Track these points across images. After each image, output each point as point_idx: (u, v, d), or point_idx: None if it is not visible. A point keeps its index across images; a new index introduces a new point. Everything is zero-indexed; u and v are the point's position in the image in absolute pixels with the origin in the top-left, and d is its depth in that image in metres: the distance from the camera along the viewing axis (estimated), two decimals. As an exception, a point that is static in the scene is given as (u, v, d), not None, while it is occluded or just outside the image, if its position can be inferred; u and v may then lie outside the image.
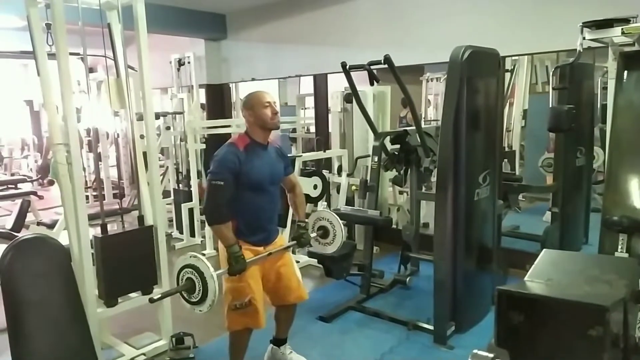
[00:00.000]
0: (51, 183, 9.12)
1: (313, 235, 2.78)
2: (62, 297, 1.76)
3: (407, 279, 3.88)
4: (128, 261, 2.84)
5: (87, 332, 1.82)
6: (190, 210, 5.33)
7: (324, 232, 2.81)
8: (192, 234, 5.43)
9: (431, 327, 3.15)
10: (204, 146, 5.64)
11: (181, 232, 5.44)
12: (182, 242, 5.32)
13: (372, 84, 3.56)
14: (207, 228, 5.03)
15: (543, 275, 0.63)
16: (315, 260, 3.99)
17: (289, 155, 2.95)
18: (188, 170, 5.51)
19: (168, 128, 5.56)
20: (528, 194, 6.09)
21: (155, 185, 3.06)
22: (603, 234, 3.00)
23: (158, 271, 3.02)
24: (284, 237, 2.76)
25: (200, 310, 2.21)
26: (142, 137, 6.91)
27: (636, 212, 2.84)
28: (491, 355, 0.61)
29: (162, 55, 5.93)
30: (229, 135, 5.95)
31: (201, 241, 5.41)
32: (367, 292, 3.71)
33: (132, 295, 2.95)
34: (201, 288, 2.18)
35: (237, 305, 2.45)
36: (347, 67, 3.58)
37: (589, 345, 0.54)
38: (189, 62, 6.22)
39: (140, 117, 3.06)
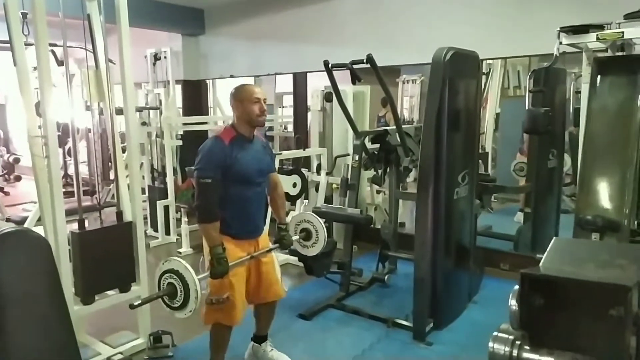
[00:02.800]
0: (18, 179, 8.83)
1: (295, 237, 2.78)
2: (45, 293, 1.70)
3: (386, 277, 3.91)
4: (106, 258, 2.78)
5: (70, 328, 1.77)
6: (166, 208, 5.25)
7: (306, 235, 2.81)
8: (167, 232, 5.34)
9: (410, 324, 3.19)
10: (180, 143, 5.57)
11: (156, 230, 5.34)
12: (157, 240, 5.22)
13: (354, 83, 3.59)
14: (183, 226, 4.97)
15: (557, 261, 0.66)
16: (295, 258, 4.00)
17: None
18: (163, 167, 5.43)
19: (144, 124, 5.46)
20: (500, 195, 6.24)
21: (135, 181, 3.00)
22: (576, 233, 3.10)
23: (136, 268, 2.96)
24: (267, 236, 2.74)
25: (184, 315, 2.20)
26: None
27: (608, 212, 2.95)
28: (512, 337, 0.63)
29: (136, 49, 5.77)
30: (205, 132, 5.89)
31: (177, 239, 5.33)
32: (346, 290, 3.73)
33: (110, 292, 2.89)
34: (183, 293, 2.16)
35: (214, 300, 2.44)
36: (330, 65, 3.59)
37: (609, 325, 0.57)
38: (165, 57, 6.11)
39: (119, 112, 3.00)
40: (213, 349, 2.60)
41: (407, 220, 5.27)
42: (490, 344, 0.66)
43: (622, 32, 2.72)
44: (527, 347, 0.62)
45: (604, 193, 2.97)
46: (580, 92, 3.83)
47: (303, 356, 2.91)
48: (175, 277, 2.16)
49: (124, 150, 5.59)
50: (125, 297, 2.94)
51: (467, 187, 3.30)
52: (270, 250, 2.64)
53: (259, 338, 2.85)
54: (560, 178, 5.08)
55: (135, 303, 2.20)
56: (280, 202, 2.75)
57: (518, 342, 0.63)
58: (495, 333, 0.66)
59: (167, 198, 5.24)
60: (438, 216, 3.08)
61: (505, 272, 4.19)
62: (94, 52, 2.90)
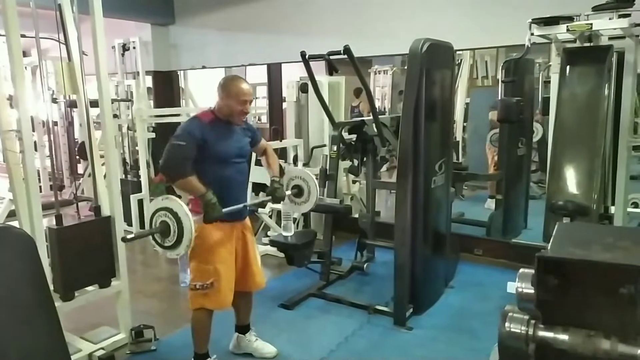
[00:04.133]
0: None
1: (287, 192, 2.78)
2: (30, 290, 1.67)
3: (365, 266, 3.98)
4: (85, 253, 2.73)
5: (58, 326, 1.74)
6: (140, 202, 5.17)
7: (298, 191, 2.82)
8: (142, 226, 5.26)
9: (390, 310, 3.26)
10: (153, 135, 5.47)
11: (129, 224, 5.25)
12: (132, 235, 5.12)
13: (331, 74, 3.61)
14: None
15: (564, 244, 0.70)
16: (274, 249, 4.01)
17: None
18: (136, 160, 5.34)
19: (115, 116, 5.33)
20: (470, 183, 6.40)
21: (113, 175, 2.95)
22: (548, 218, 3.23)
23: (116, 263, 2.92)
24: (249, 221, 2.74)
25: (177, 255, 2.19)
26: (82, 125, 6.56)
27: (577, 197, 3.09)
28: (527, 316, 0.67)
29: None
30: (178, 124, 5.79)
31: (151, 233, 5.25)
32: (327, 279, 3.77)
33: (89, 288, 2.85)
34: (176, 229, 2.13)
35: (198, 286, 2.44)
36: (307, 56, 3.60)
37: (621, 302, 0.61)
38: (134, 48, 6.00)
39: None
40: (195, 337, 2.59)
41: (381, 209, 5.36)
42: (507, 324, 0.70)
43: (591, 24, 2.83)
44: (541, 326, 0.66)
45: (573, 179, 3.10)
46: (548, 81, 3.97)
47: (287, 345, 2.94)
48: (170, 215, 2.13)
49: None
50: (105, 292, 2.91)
51: (443, 175, 3.38)
52: (262, 203, 2.64)
53: (242, 328, 2.86)
54: (529, 165, 5.26)
55: (128, 237, 2.17)
56: (271, 159, 2.75)
57: (533, 322, 0.67)
58: (509, 314, 0.70)
59: (140, 192, 5.15)
60: (417, 204, 3.15)
61: (479, 257, 4.33)
62: (66, 43, 2.83)
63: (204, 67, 5.86)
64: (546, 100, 3.95)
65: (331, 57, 3.46)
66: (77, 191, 5.21)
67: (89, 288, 2.85)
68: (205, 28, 5.77)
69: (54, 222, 2.65)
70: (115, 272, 2.93)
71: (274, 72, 5.55)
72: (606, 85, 3.03)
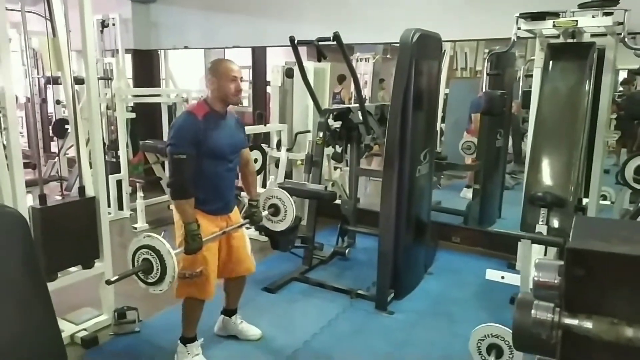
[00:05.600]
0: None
1: (264, 213, 2.81)
2: (23, 271, 1.65)
3: (347, 251, 4.04)
4: (68, 234, 2.70)
5: (50, 306, 1.73)
6: (119, 182, 5.09)
7: (275, 210, 2.84)
8: (120, 207, 5.19)
9: (372, 295, 3.33)
10: (133, 115, 5.37)
11: (108, 205, 5.15)
12: (110, 216, 5.02)
13: (319, 60, 3.62)
14: (139, 201, 4.85)
15: (585, 237, 0.74)
16: (256, 233, 4.04)
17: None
18: (115, 141, 5.24)
19: (93, 94, 5.19)
20: (447, 172, 6.53)
21: (98, 156, 2.90)
22: (526, 209, 3.33)
23: (100, 244, 2.90)
24: (237, 211, 2.75)
25: (160, 290, 2.20)
26: (58, 102, 6.38)
27: (555, 189, 3.19)
28: (552, 304, 0.72)
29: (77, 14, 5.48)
30: (158, 105, 5.71)
31: (130, 215, 5.19)
32: (309, 263, 3.82)
33: (72, 269, 2.82)
34: (159, 267, 2.16)
35: (187, 274, 2.44)
36: (296, 41, 3.59)
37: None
38: (113, 25, 5.84)
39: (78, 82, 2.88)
40: (186, 322, 2.60)
41: (360, 195, 5.41)
42: (533, 312, 0.74)
43: (577, 21, 2.91)
44: (566, 313, 0.71)
45: (552, 171, 3.20)
46: (529, 75, 4.08)
47: (271, 328, 2.98)
48: (152, 253, 2.15)
49: (67, 122, 5.35)
50: (88, 273, 2.88)
51: (427, 164, 3.45)
52: (240, 226, 2.66)
53: (229, 312, 2.89)
54: (506, 157, 5.40)
55: (112, 279, 2.16)
56: (251, 179, 2.76)
57: (558, 309, 0.72)
58: (535, 302, 0.74)
59: (119, 172, 5.07)
60: (402, 193, 3.20)
61: (456, 245, 4.44)
62: (51, 19, 2.74)
63: (186, 48, 5.76)
64: (527, 94, 4.05)
65: (320, 43, 3.47)
66: (50, 171, 5.10)
67: (72, 269, 2.81)
68: (188, 7, 5.65)
69: (38, 202, 2.60)
70: (98, 254, 2.90)
71: (259, 56, 5.49)
72: (587, 81, 3.12)
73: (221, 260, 2.61)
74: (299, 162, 4.55)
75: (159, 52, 6.20)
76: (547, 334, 0.72)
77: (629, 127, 5.60)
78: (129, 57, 6.06)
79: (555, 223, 3.10)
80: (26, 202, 2.53)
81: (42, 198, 2.61)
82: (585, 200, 3.66)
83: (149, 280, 2.20)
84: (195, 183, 2.38)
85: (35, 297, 1.70)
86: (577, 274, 0.69)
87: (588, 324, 0.69)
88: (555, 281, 0.79)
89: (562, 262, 0.82)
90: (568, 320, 0.71)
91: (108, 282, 2.14)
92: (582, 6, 2.98)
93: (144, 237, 2.18)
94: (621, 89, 5.84)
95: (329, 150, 4.52)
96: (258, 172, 4.63)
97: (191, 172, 2.32)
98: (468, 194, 5.69)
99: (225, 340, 2.87)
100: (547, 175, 3.20)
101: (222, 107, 2.46)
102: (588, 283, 0.70)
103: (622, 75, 6.01)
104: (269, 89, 5.24)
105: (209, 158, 2.39)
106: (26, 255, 1.69)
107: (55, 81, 5.02)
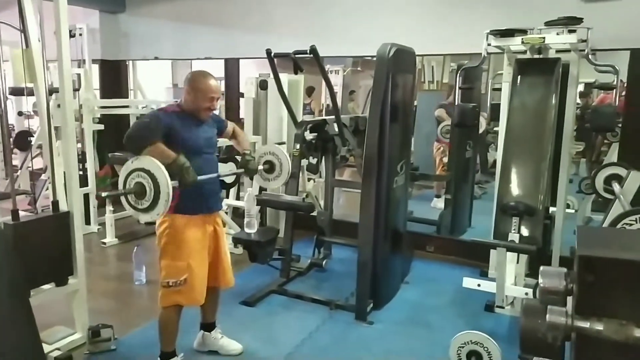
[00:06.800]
0: None
1: (260, 167, 2.79)
2: (5, 287, 1.59)
3: (324, 262, 4.05)
4: (42, 250, 2.61)
5: (32, 322, 1.68)
6: (86, 196, 4.93)
7: (270, 167, 2.84)
8: (87, 222, 5.04)
9: (351, 305, 3.35)
10: (102, 127, 5.24)
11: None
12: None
13: (296, 72, 3.66)
14: (108, 215, 4.71)
15: (590, 245, 0.79)
16: (231, 245, 3.99)
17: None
18: (83, 153, 5.09)
19: (59, 106, 5.04)
20: (417, 182, 6.66)
21: (72, 169, 2.83)
22: (498, 218, 3.43)
23: (74, 261, 2.81)
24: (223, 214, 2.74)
25: (150, 218, 2.14)
26: (20, 114, 6.17)
27: (525, 198, 3.31)
28: (564, 309, 0.76)
29: (46, 24, 5.33)
30: (127, 116, 5.60)
31: (98, 229, 5.05)
32: (287, 275, 3.81)
33: (45, 287, 2.72)
34: (152, 188, 2.07)
35: (171, 283, 2.41)
36: (272, 54, 3.61)
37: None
38: (80, 35, 5.71)
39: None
40: (164, 337, 2.55)
41: (335, 207, 5.45)
42: (548, 316, 0.78)
43: (544, 38, 3.05)
44: (577, 316, 0.75)
45: (522, 182, 3.31)
46: (496, 89, 4.24)
47: (252, 342, 2.95)
48: (146, 176, 2.07)
49: (29, 134, 5.17)
50: (61, 290, 2.79)
51: (403, 175, 3.52)
52: (236, 174, 2.66)
53: (208, 326, 2.85)
54: (474, 167, 5.57)
55: (104, 194, 2.09)
56: (241, 136, 2.79)
57: (570, 313, 0.76)
58: (549, 307, 0.78)
59: (87, 185, 4.93)
60: (380, 203, 3.25)
61: (430, 254, 4.53)
62: (24, 29, 2.67)
63: (156, 58, 5.68)
64: (495, 107, 4.20)
65: (297, 55, 3.51)
66: (13, 185, 4.89)
67: (45, 286, 2.71)
68: (158, 18, 5.59)
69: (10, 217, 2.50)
70: (72, 270, 2.81)
71: (232, 68, 5.48)
72: (554, 95, 3.26)
73: (209, 265, 2.57)
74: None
75: (127, 63, 6.09)
76: (560, 337, 0.76)
77: (588, 139, 5.89)
78: (95, 68, 5.94)
79: (526, 231, 3.22)
80: (-2, 218, 2.44)
81: (15, 213, 2.51)
82: (552, 209, 3.81)
83: (140, 206, 2.12)
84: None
85: (20, 313, 1.64)
86: (587, 279, 0.73)
87: (599, 326, 0.73)
88: (561, 287, 0.84)
89: (565, 270, 0.87)
90: (580, 323, 0.76)
91: (98, 196, 2.07)
92: (548, 24, 3.13)
93: (133, 161, 2.11)
94: (579, 101, 6.13)
95: (303, 162, 4.54)
96: (232, 185, 4.61)
97: (152, 130, 2.27)
98: (439, 203, 5.82)
99: (205, 356, 2.82)
100: (517, 185, 3.31)
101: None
102: (597, 288, 0.75)
103: (579, 88, 6.32)
104: (242, 100, 5.23)
105: (186, 153, 2.32)
106: (9, 270, 1.63)
107: (19, 92, 4.90)
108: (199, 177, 2.30)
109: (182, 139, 2.35)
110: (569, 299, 0.84)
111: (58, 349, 2.77)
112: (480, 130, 5.68)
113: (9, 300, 1.56)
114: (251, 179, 3.43)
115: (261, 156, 2.85)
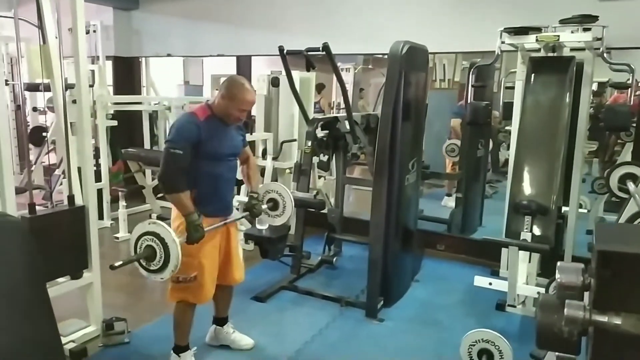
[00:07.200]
0: None
1: (264, 207, 2.82)
2: (25, 280, 1.62)
3: (334, 259, 4.07)
4: (57, 243, 2.65)
5: (51, 316, 1.70)
6: (99, 191, 4.98)
7: (273, 204, 2.85)
8: (101, 217, 5.09)
9: (362, 303, 3.35)
10: (115, 123, 5.29)
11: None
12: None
13: (308, 70, 3.67)
14: (121, 210, 4.78)
15: (608, 241, 0.79)
16: (242, 241, 4.02)
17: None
18: (97, 149, 5.15)
19: (74, 102, 5.10)
20: (427, 181, 6.65)
21: (87, 164, 2.87)
22: (510, 217, 3.42)
23: (89, 254, 2.85)
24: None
25: (161, 278, 2.18)
26: (35, 109, 6.25)
27: (538, 197, 3.29)
28: (582, 303, 0.77)
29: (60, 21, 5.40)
30: (139, 112, 5.65)
31: (111, 224, 5.11)
32: (297, 272, 3.83)
33: (60, 280, 2.76)
34: (162, 255, 2.13)
35: (181, 278, 2.44)
36: (285, 51, 3.62)
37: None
38: (94, 31, 5.77)
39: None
40: (177, 329, 2.59)
41: (345, 204, 5.46)
42: (566, 310, 0.79)
43: (558, 36, 3.03)
44: (595, 311, 0.76)
45: (535, 181, 3.30)
46: (509, 87, 4.20)
47: (263, 337, 2.97)
48: (156, 240, 2.13)
49: (44, 130, 5.24)
50: (76, 284, 2.83)
51: (415, 173, 3.52)
52: (240, 218, 2.69)
53: (220, 320, 2.87)
54: (486, 166, 5.54)
55: (116, 264, 2.13)
56: (252, 172, 2.77)
57: (588, 308, 0.77)
58: (567, 301, 0.79)
59: (100, 181, 4.98)
60: (391, 201, 3.26)
61: (441, 252, 4.52)
62: (41, 25, 2.71)
63: (169, 55, 5.73)
64: (507, 105, 4.17)
65: (309, 53, 3.52)
66: (28, 179, 4.97)
67: (60, 279, 2.76)
68: (171, 15, 5.63)
69: (27, 211, 2.54)
70: (87, 264, 2.85)
71: (243, 65, 5.51)
72: (568, 93, 3.24)
73: (219, 262, 2.60)
74: (287, 171, 4.57)
75: (140, 60, 6.14)
76: (577, 331, 0.77)
77: (602, 138, 5.84)
78: (109, 64, 5.99)
79: (538, 230, 3.20)
80: (16, 211, 2.48)
81: (32, 207, 2.56)
82: (564, 209, 3.79)
83: (151, 268, 2.18)
84: (195, 185, 2.39)
85: (39, 307, 1.67)
86: (605, 274, 0.74)
87: (617, 320, 0.74)
88: (579, 282, 0.84)
89: (583, 265, 0.87)
90: (598, 317, 0.76)
91: (112, 267, 2.11)
92: (562, 22, 3.11)
93: (149, 224, 2.16)
94: (592, 100, 6.07)
95: (314, 159, 4.56)
96: (243, 182, 4.64)
97: (183, 167, 2.32)
98: (449, 202, 5.80)
99: (217, 350, 2.85)
100: (530, 185, 3.29)
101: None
102: (615, 283, 0.75)
103: (593, 87, 6.26)
104: (254, 97, 5.25)
105: (208, 160, 2.41)
106: (30, 264, 1.66)
107: (34, 88, 4.97)
108: (206, 229, 2.36)
109: (208, 148, 2.39)
110: (586, 295, 0.85)
111: (72, 341, 2.82)
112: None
113: (27, 292, 1.59)
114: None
115: (266, 192, 2.86)
